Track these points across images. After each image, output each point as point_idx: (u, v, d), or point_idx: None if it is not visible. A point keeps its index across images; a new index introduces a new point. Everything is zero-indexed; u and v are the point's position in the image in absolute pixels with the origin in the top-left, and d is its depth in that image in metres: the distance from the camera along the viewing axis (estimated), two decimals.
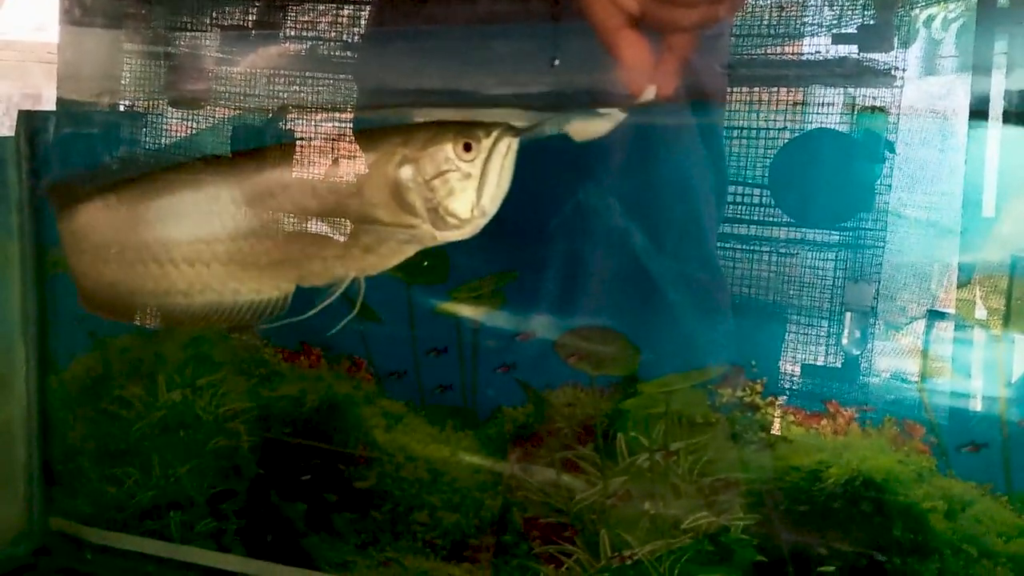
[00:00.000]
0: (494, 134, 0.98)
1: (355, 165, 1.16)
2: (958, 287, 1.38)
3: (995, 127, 1.33)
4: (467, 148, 0.97)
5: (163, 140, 1.68)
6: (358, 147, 1.16)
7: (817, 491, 1.40)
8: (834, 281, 1.41)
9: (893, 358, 1.41)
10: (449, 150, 0.98)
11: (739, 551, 1.42)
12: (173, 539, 1.69)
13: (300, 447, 1.62)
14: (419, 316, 1.58)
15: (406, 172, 1.02)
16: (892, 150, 1.36)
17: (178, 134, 1.68)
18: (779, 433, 1.43)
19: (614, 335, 1.50)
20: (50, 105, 1.72)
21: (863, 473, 1.39)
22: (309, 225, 1.20)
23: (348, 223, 1.18)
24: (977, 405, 1.37)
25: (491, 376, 1.55)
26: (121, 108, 1.69)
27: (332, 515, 1.61)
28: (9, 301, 1.72)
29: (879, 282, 1.39)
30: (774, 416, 1.44)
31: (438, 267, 1.59)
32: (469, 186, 0.98)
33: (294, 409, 1.62)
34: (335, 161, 1.14)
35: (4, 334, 1.73)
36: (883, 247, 1.38)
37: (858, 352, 1.42)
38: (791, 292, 1.44)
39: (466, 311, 1.56)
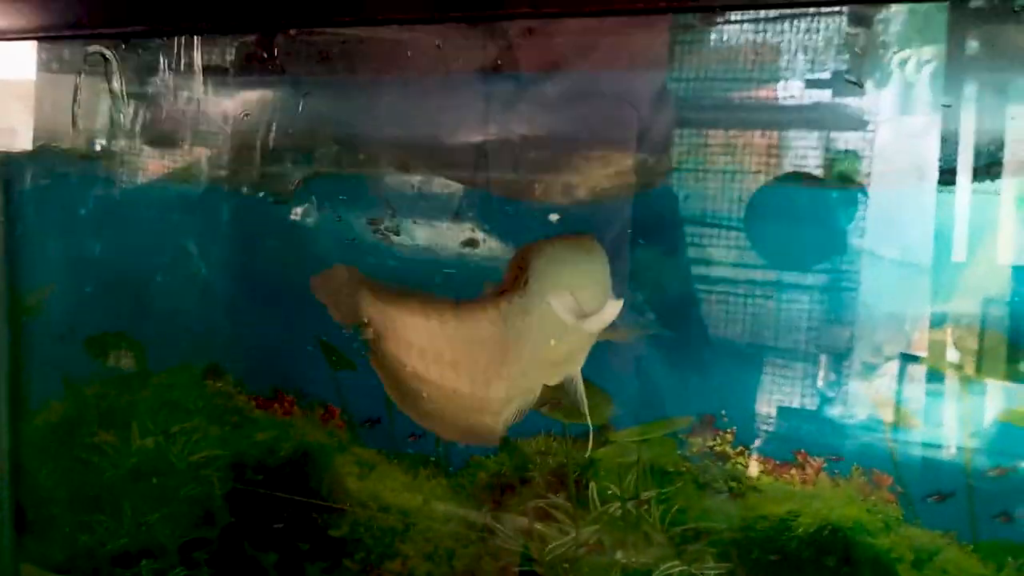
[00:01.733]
0: None
1: None
2: (928, 337, 1.40)
3: (965, 171, 1.35)
4: None
5: (140, 186, 1.70)
6: None
7: (786, 540, 1.41)
8: (805, 330, 1.43)
9: (861, 408, 1.42)
10: None
11: None
12: None
13: (272, 495, 1.62)
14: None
15: None
16: (865, 193, 1.39)
17: (155, 180, 1.70)
18: (749, 482, 1.44)
19: (586, 384, 1.50)
20: (26, 143, 1.73)
21: (832, 522, 1.40)
22: None
23: None
24: (943, 454, 1.39)
25: None
26: (97, 154, 1.70)
27: (305, 564, 1.61)
28: None
29: (851, 331, 1.41)
30: (744, 465, 1.45)
31: None
32: None
33: (267, 456, 1.62)
34: None
35: None
36: (855, 293, 1.40)
37: (826, 402, 1.43)
38: (763, 341, 1.46)
39: None
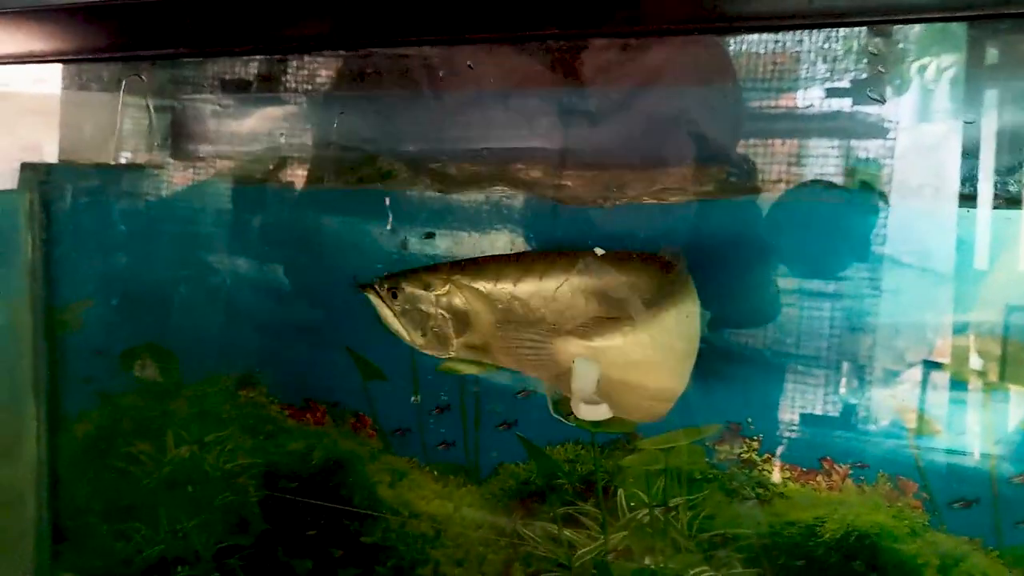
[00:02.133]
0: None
1: None
2: (951, 345, 1.42)
3: (986, 179, 1.37)
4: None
5: (173, 200, 1.73)
6: None
7: (813, 546, 1.43)
8: (828, 338, 1.45)
9: (885, 415, 1.44)
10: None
11: None
12: None
13: (306, 503, 1.65)
14: (422, 374, 1.62)
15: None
16: (886, 200, 1.41)
17: (188, 194, 1.74)
18: (776, 489, 1.47)
19: None
20: (50, 158, 1.76)
21: (858, 528, 1.42)
22: None
23: None
24: (968, 461, 1.41)
25: (493, 433, 1.58)
26: (133, 169, 1.74)
27: (338, 571, 1.64)
28: (20, 360, 1.76)
29: (874, 339, 1.43)
30: (770, 472, 1.47)
31: None
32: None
33: (300, 465, 1.65)
34: None
35: (15, 393, 1.76)
36: (877, 301, 1.42)
37: (851, 410, 1.45)
38: (787, 349, 1.48)
39: (468, 369, 1.60)
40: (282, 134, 1.61)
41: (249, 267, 1.72)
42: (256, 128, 1.67)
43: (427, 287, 1.37)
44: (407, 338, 1.40)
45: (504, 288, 1.34)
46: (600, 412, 1.40)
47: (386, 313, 1.40)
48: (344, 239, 1.63)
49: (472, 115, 1.54)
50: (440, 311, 1.37)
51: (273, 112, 1.66)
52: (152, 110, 1.70)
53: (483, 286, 1.35)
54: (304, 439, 1.65)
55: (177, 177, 1.72)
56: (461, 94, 1.52)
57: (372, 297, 1.40)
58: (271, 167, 1.66)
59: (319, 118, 1.60)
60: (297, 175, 1.65)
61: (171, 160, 1.73)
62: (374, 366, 1.61)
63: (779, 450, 1.47)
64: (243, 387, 1.69)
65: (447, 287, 1.37)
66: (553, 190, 1.48)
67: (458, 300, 1.37)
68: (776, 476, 1.47)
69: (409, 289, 1.37)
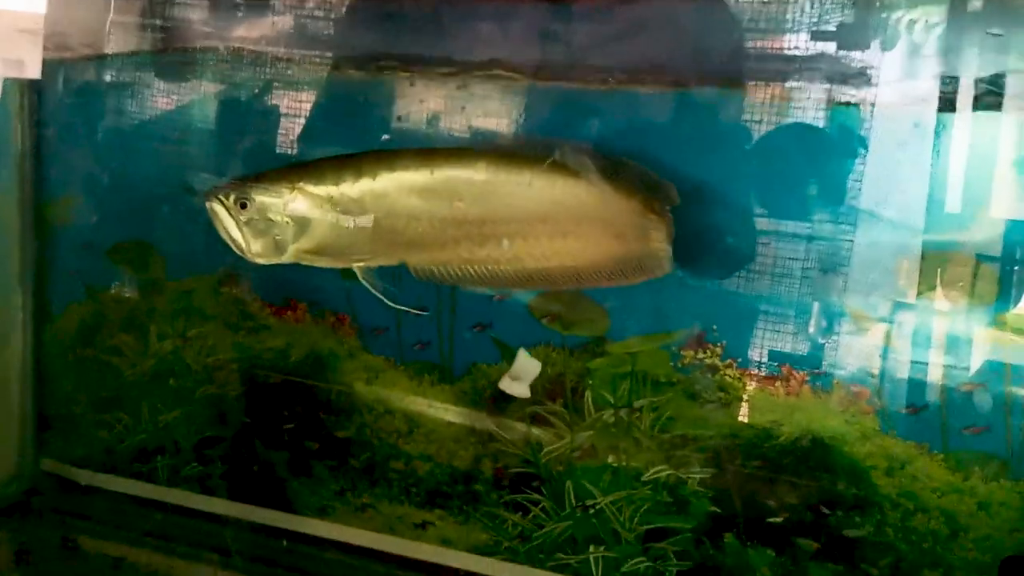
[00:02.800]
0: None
1: None
2: (909, 259, 1.47)
3: (963, 127, 1.42)
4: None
5: (170, 99, 1.75)
6: None
7: (769, 448, 1.50)
8: (795, 251, 1.50)
9: (845, 325, 1.50)
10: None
11: (695, 502, 1.52)
12: (160, 482, 1.77)
13: (284, 397, 1.70)
14: (400, 274, 1.66)
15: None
16: (865, 146, 1.46)
17: (184, 93, 1.75)
18: (736, 393, 1.52)
19: (584, 298, 1.58)
20: (34, 74, 1.77)
21: (812, 432, 1.48)
22: None
23: None
24: (920, 370, 1.47)
25: (467, 334, 1.63)
26: (123, 62, 1.75)
27: (313, 462, 1.69)
28: (7, 253, 1.79)
29: (838, 258, 1.47)
30: (732, 377, 1.53)
31: None
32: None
33: (280, 361, 1.70)
34: None
35: (2, 285, 1.79)
36: (843, 216, 1.46)
37: (812, 319, 1.51)
38: (754, 260, 1.53)
39: None
40: (275, 23, 1.63)
41: (239, 164, 1.74)
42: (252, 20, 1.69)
43: (277, 195, 1.34)
44: (244, 248, 1.37)
45: (343, 191, 1.34)
46: (520, 390, 1.44)
47: (228, 224, 1.36)
48: (333, 132, 1.66)
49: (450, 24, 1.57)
50: (286, 218, 1.35)
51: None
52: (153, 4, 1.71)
53: (324, 191, 1.35)
54: (284, 336, 1.69)
55: (171, 70, 1.73)
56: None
57: (216, 207, 1.36)
58: (266, 60, 1.68)
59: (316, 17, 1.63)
60: (291, 69, 1.67)
61: (165, 52, 1.74)
62: None
63: (741, 356, 1.52)
64: (226, 284, 1.73)
65: (294, 193, 1.35)
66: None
67: (302, 206, 1.36)
68: (737, 381, 1.52)
69: (260, 199, 1.34)
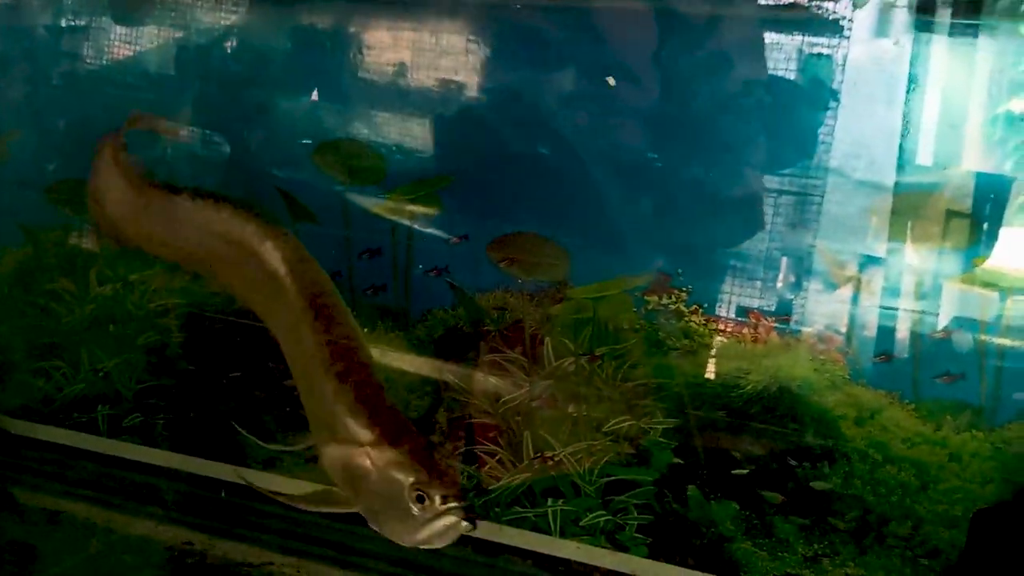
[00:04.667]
0: (447, 506, 0.87)
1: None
2: (883, 203, 1.41)
3: (936, 83, 1.37)
4: (420, 500, 0.87)
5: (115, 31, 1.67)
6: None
7: (735, 397, 1.44)
8: (766, 194, 1.44)
9: (816, 271, 1.44)
10: (404, 488, 0.87)
11: (657, 454, 1.46)
12: (100, 433, 1.69)
13: (230, 345, 1.62)
14: (354, 217, 1.59)
15: (360, 468, 0.92)
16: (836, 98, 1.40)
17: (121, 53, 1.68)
18: (701, 340, 1.46)
19: (545, 241, 1.51)
20: None
21: (779, 381, 1.43)
22: None
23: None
24: (891, 318, 1.42)
25: (423, 279, 1.56)
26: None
27: (262, 415, 1.62)
28: None
29: (810, 198, 1.42)
30: (697, 324, 1.47)
31: (374, 168, 1.60)
32: (410, 522, 0.88)
33: (227, 305, 1.61)
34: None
35: None
36: (816, 160, 1.41)
37: (781, 265, 1.45)
38: (722, 201, 1.47)
39: (401, 213, 1.57)
40: None
41: (184, 97, 1.67)
42: None
43: None
44: None
45: None
46: None
47: None
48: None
49: None
50: None
51: None
52: None
53: None
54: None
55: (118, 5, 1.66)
56: None
57: None
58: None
59: None
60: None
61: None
62: (304, 206, 1.57)
63: (707, 302, 1.46)
64: None
65: None
66: None
67: None
68: (703, 328, 1.47)
69: None
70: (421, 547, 0.90)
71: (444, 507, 0.87)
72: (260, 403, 1.62)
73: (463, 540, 0.95)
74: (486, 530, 1.48)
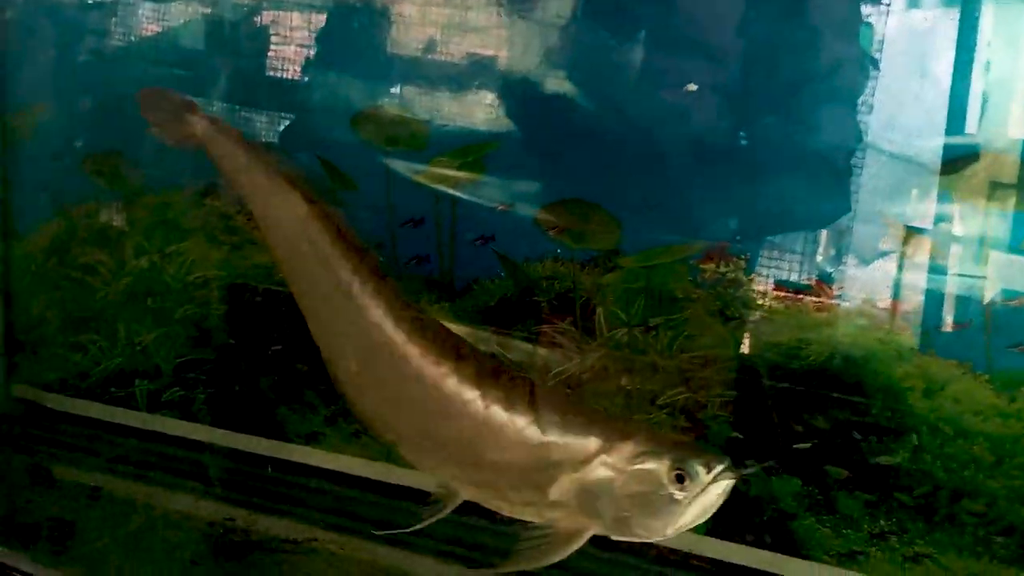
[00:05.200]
0: (714, 472, 0.80)
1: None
2: (942, 172, 1.35)
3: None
4: (680, 479, 0.79)
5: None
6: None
7: (796, 368, 1.38)
8: (825, 155, 1.39)
9: (880, 237, 1.38)
10: (661, 475, 0.80)
11: (715, 427, 1.41)
12: (139, 407, 1.66)
13: (271, 317, 1.58)
14: (396, 185, 1.54)
15: (602, 481, 0.82)
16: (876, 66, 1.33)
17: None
18: (760, 309, 1.41)
19: (595, 208, 1.46)
20: None
21: (843, 351, 1.37)
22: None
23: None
24: (963, 285, 1.36)
25: (468, 248, 1.51)
26: None
27: (303, 388, 1.58)
28: None
29: (871, 160, 1.36)
30: (756, 293, 1.42)
31: (417, 134, 1.55)
32: (673, 510, 0.80)
33: (266, 278, 1.57)
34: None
35: None
36: (873, 120, 1.35)
37: (844, 230, 1.39)
38: (779, 166, 1.41)
39: (445, 181, 1.52)
40: None
41: (219, 67, 1.62)
42: None
43: None
44: None
45: None
46: None
47: None
48: None
49: None
50: None
51: None
52: None
53: None
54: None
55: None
56: None
57: None
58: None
59: None
60: None
61: None
62: (343, 174, 1.53)
63: (767, 270, 1.41)
64: (208, 196, 1.61)
65: None
66: None
67: None
68: (763, 297, 1.41)
69: None
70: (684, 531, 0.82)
71: (711, 475, 0.80)
72: (302, 377, 1.58)
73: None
74: None
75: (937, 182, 1.36)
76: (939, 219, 1.37)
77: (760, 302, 1.40)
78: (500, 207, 1.50)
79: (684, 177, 1.46)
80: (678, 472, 0.81)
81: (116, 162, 1.67)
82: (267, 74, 1.65)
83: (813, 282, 1.40)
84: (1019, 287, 1.33)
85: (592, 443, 0.83)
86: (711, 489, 0.81)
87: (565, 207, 1.47)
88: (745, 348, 1.41)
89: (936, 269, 1.37)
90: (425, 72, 1.57)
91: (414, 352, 0.89)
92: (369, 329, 0.90)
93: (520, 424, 0.84)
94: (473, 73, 1.53)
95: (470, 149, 1.52)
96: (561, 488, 0.85)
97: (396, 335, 0.89)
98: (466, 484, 0.91)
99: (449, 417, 0.87)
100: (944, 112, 1.33)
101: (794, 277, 1.40)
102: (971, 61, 1.32)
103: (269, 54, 1.64)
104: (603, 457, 0.83)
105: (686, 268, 1.42)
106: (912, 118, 1.34)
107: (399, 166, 1.55)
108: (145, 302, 1.65)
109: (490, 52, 1.52)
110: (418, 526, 0.91)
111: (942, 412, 1.33)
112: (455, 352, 0.89)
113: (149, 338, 1.64)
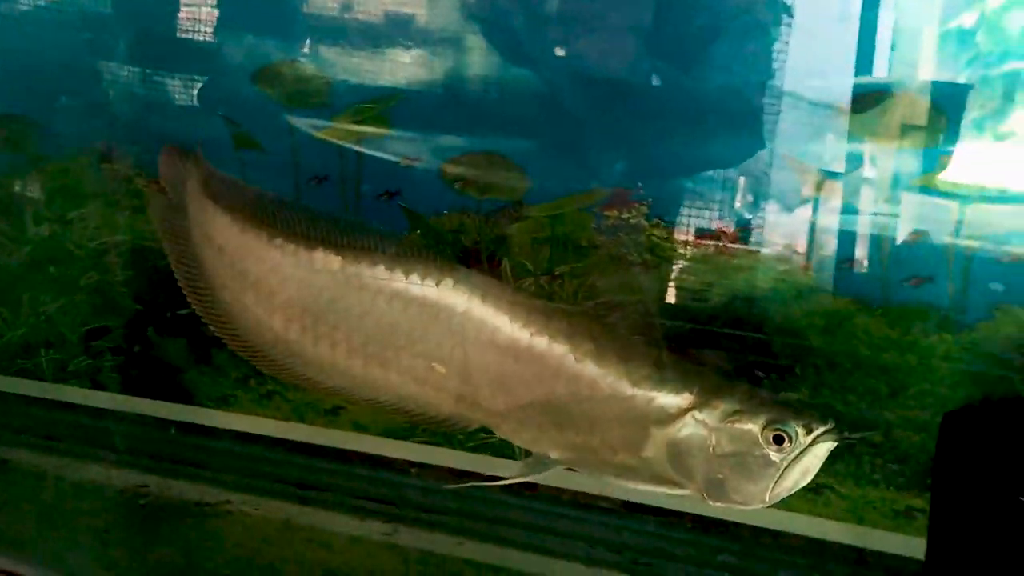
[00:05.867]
0: (815, 433, 0.78)
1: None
2: (850, 104, 1.36)
3: None
4: (778, 440, 0.77)
5: None
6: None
7: (700, 310, 1.40)
8: (726, 101, 1.40)
9: (780, 178, 1.40)
10: (757, 435, 0.78)
11: None
12: (45, 378, 1.62)
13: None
14: (300, 143, 1.52)
15: (694, 438, 0.80)
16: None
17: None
18: (664, 254, 1.42)
19: (501, 160, 1.46)
20: None
21: (745, 293, 1.39)
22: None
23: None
24: (859, 222, 1.38)
25: (374, 204, 1.50)
26: None
27: (212, 350, 1.56)
28: None
29: (772, 101, 1.37)
30: (660, 238, 1.43)
31: (319, 90, 1.53)
32: (769, 473, 0.78)
33: None
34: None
35: None
36: (777, 63, 1.36)
37: (747, 172, 1.41)
38: (681, 111, 1.42)
39: (348, 136, 1.50)
40: None
41: (121, 36, 1.58)
42: None
43: None
44: None
45: None
46: None
47: None
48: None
49: None
50: None
51: None
52: None
53: None
54: None
55: None
56: None
57: None
58: None
59: None
60: None
61: None
62: (247, 135, 1.50)
63: (669, 215, 1.42)
64: (107, 160, 1.57)
65: None
66: None
67: None
68: (665, 241, 1.42)
69: None
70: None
71: (811, 437, 0.77)
72: (211, 340, 1.55)
73: None
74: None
75: (839, 127, 1.38)
76: (851, 159, 1.38)
77: (663, 247, 1.41)
78: (405, 162, 1.48)
79: (592, 123, 1.46)
80: (776, 433, 0.78)
81: (15, 125, 1.63)
82: (178, 36, 1.61)
83: (717, 226, 1.41)
84: (914, 221, 1.36)
85: (684, 399, 0.81)
86: (811, 451, 0.79)
87: (470, 160, 1.47)
88: (649, 292, 1.42)
89: (832, 211, 1.39)
90: (336, 29, 1.55)
91: (503, 321, 0.87)
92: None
93: (610, 378, 0.83)
94: (383, 29, 1.52)
95: (373, 104, 1.50)
96: (655, 445, 0.82)
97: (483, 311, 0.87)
98: (564, 448, 0.88)
99: (543, 379, 0.85)
100: (854, 53, 1.35)
101: (696, 220, 1.42)
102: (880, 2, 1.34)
103: (180, 15, 1.60)
104: (695, 413, 0.81)
105: (590, 216, 1.43)
106: (823, 59, 1.36)
107: (302, 123, 1.53)
108: (48, 270, 1.61)
109: (400, 8, 1.50)
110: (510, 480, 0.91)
111: (840, 347, 1.35)
112: (543, 312, 0.87)
113: (53, 308, 1.61)
